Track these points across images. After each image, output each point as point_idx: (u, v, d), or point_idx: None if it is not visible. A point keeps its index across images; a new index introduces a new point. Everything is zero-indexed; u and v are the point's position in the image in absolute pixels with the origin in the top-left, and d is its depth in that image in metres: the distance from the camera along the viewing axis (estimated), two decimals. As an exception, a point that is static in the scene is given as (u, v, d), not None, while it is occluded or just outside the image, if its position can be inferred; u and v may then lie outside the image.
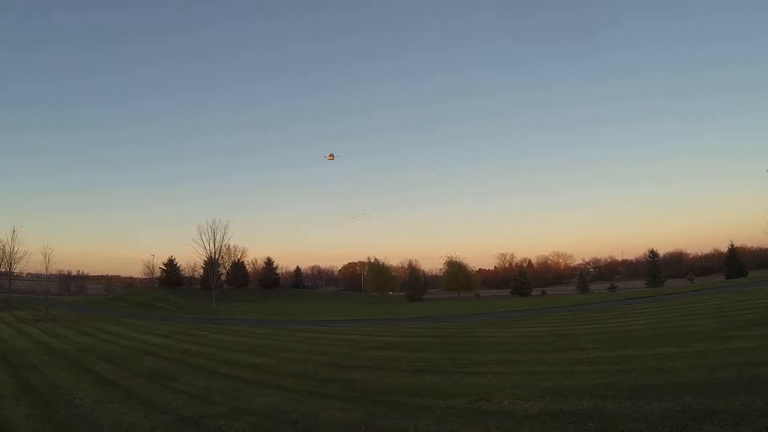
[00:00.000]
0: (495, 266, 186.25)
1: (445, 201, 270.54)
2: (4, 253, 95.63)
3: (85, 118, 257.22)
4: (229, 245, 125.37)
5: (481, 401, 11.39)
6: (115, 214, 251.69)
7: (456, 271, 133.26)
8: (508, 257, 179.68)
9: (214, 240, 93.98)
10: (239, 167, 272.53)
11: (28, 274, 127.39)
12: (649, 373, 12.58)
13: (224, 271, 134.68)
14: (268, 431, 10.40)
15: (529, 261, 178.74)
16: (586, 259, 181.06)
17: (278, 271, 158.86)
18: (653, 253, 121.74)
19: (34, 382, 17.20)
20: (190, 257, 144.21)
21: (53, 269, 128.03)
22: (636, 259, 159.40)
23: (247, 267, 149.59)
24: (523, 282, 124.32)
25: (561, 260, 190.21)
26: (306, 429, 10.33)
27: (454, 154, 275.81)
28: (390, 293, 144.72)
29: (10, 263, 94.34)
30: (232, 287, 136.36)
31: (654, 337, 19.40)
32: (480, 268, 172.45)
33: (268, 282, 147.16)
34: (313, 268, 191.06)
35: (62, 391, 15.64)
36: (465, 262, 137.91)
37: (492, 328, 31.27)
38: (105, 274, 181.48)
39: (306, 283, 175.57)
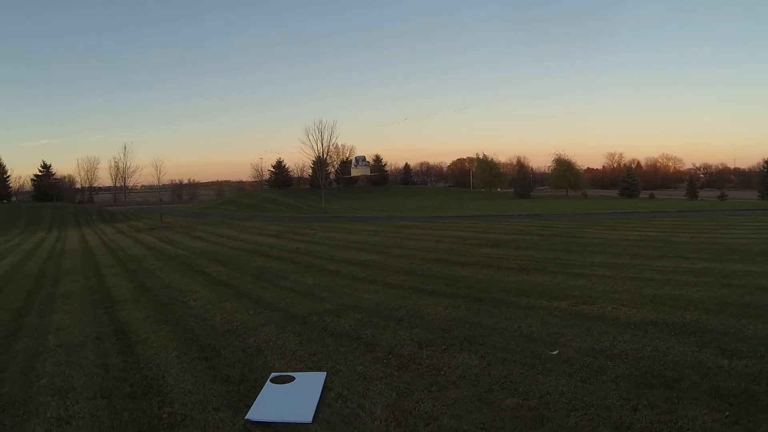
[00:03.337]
0: (603, 166, 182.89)
1: (554, 96, 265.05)
2: (118, 169, 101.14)
3: (183, 29, 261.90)
4: (336, 144, 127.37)
5: (585, 305, 11.39)
6: (223, 120, 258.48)
7: (564, 169, 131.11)
8: (616, 157, 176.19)
9: (322, 140, 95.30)
10: (346, 65, 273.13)
11: (142, 186, 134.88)
12: (757, 291, 12.10)
13: (333, 170, 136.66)
14: (373, 327, 10.63)
15: (638, 162, 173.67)
16: (697, 164, 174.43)
17: (387, 168, 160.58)
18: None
19: (150, 286, 18.03)
20: (299, 158, 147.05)
21: (165, 179, 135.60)
22: (749, 169, 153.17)
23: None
24: (631, 183, 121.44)
25: (670, 163, 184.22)
26: (411, 326, 10.54)
27: (562, 48, 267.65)
28: (498, 190, 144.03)
29: (125, 178, 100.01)
30: (341, 185, 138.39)
31: (764, 253, 18.56)
32: (588, 167, 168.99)
33: (376, 179, 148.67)
34: (421, 164, 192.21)
35: (177, 293, 16.39)
36: (573, 160, 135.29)
37: (598, 229, 30.92)
38: (215, 180, 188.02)
39: (415, 180, 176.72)
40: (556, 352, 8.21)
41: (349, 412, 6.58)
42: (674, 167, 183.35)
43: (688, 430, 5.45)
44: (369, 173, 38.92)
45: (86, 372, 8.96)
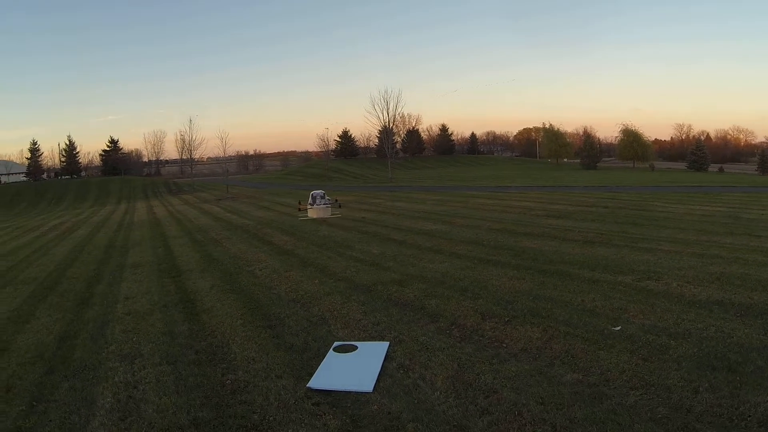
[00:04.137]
0: (671, 137, 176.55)
1: (620, 66, 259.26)
2: (184, 141, 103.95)
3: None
4: (402, 114, 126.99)
5: (649, 280, 11.30)
6: (289, 90, 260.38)
7: (631, 140, 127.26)
8: (685, 129, 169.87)
9: (387, 109, 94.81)
10: (408, 40, 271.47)
11: (208, 158, 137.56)
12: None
13: (399, 139, 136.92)
14: (438, 298, 10.75)
15: (707, 134, 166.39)
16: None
17: (453, 137, 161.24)
18: None
19: (217, 256, 18.48)
20: (365, 128, 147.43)
21: (231, 151, 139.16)
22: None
23: (422, 134, 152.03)
24: (699, 156, 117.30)
25: (741, 136, 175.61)
26: (475, 297, 10.64)
27: (629, 16, 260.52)
28: (565, 160, 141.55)
29: (191, 150, 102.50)
30: (408, 155, 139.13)
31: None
32: (655, 138, 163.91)
33: (443, 148, 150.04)
34: (488, 133, 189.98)
35: (242, 262, 16.81)
36: (640, 131, 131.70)
37: (665, 202, 30.32)
38: (281, 151, 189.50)
39: (481, 149, 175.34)
40: (619, 328, 8.21)
41: (410, 383, 6.74)
42: (746, 140, 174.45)
43: (750, 416, 5.43)
44: (329, 215, 28.05)
45: (153, 339, 9.43)
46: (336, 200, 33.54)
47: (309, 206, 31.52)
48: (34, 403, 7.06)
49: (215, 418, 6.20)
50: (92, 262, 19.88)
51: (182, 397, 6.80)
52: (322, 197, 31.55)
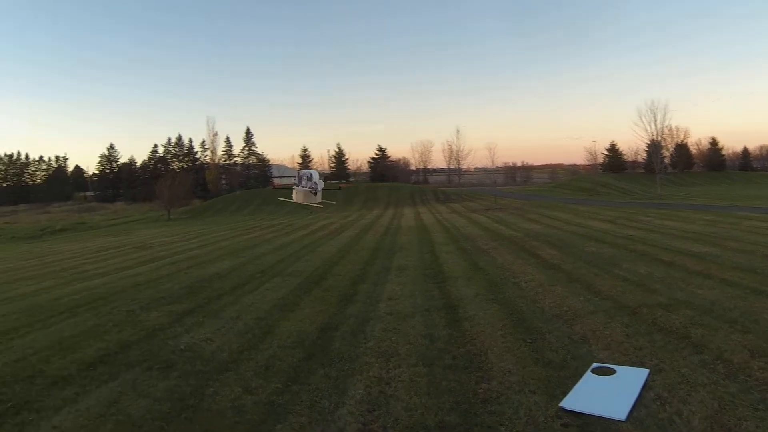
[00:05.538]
0: None
1: None
2: (451, 151, 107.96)
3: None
4: (670, 126, 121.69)
5: None
6: (556, 101, 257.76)
7: None
8: None
9: (655, 122, 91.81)
10: (675, 48, 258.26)
11: (476, 168, 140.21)
12: None
13: (667, 153, 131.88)
14: (704, 327, 10.36)
15: None
16: None
17: (723, 152, 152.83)
18: None
19: (483, 266, 18.89)
20: (632, 141, 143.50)
21: (499, 162, 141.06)
22: None
23: (691, 148, 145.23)
24: None
25: None
26: (744, 331, 10.07)
27: None
28: None
29: (458, 160, 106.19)
30: (676, 170, 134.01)
31: None
32: None
33: (712, 164, 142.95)
34: (761, 147, 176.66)
35: (508, 273, 17.07)
36: None
37: None
38: (548, 163, 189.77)
39: (754, 165, 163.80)
40: None
41: (666, 417, 6.67)
42: None
43: None
44: (317, 201, 21.07)
45: (411, 340, 10.16)
46: (339, 188, 29.80)
47: (295, 189, 25.62)
48: (289, 384, 8.07)
49: (461, 424, 6.63)
50: (358, 261, 21.45)
51: (432, 399, 7.34)
52: (309, 178, 23.59)
